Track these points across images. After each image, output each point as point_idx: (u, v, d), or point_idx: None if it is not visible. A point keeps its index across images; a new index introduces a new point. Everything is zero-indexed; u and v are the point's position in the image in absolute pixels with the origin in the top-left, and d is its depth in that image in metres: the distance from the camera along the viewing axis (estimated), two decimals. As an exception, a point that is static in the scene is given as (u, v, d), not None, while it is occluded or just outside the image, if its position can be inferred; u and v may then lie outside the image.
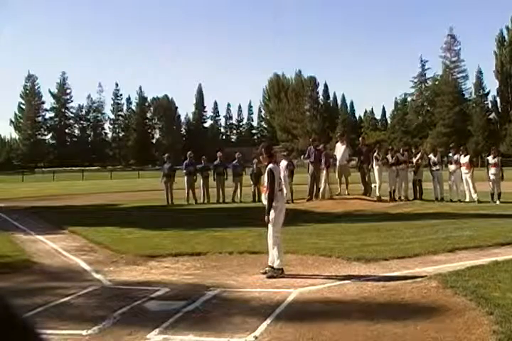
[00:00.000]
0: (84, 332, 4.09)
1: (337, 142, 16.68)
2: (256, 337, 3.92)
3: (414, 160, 14.77)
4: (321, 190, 14.83)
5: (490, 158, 14.13)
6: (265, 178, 6.06)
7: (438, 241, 7.72)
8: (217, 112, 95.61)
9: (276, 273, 5.95)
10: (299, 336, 3.92)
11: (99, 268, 6.69)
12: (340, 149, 15.52)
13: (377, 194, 14.66)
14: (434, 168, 14.63)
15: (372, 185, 15.18)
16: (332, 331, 4.00)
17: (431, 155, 15.10)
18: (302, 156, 17.22)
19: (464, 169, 14.06)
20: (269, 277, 5.89)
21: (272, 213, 6.00)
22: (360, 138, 17.63)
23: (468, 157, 14.22)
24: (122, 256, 7.37)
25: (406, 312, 4.43)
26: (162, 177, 16.41)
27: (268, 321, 4.27)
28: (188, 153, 17.05)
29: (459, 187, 14.28)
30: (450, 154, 14.83)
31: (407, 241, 7.78)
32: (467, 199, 14.01)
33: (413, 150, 15.60)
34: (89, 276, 6.27)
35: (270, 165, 6.06)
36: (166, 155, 17.75)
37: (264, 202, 6.09)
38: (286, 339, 3.88)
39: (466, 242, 7.54)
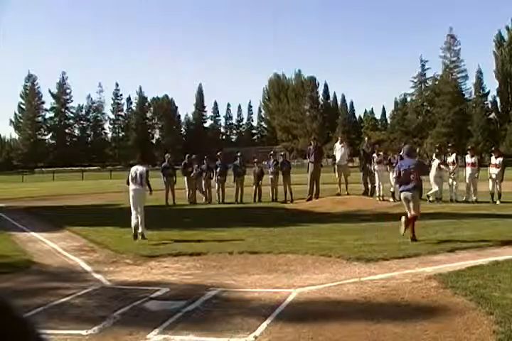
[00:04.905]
0: (84, 332, 4.09)
1: (336, 141, 16.73)
2: (256, 337, 3.92)
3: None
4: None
5: (492, 159, 14.16)
6: None
7: (438, 241, 7.72)
8: (217, 112, 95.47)
9: None
10: (299, 336, 3.92)
11: (99, 268, 6.70)
12: (339, 149, 15.54)
13: (377, 194, 14.68)
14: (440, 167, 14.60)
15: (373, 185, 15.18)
16: (332, 331, 4.00)
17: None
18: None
19: (469, 169, 14.11)
20: None
21: None
22: (366, 138, 17.62)
23: (475, 157, 14.29)
24: (122, 256, 7.38)
25: (406, 312, 4.42)
26: (163, 176, 15.95)
27: (268, 321, 4.27)
28: (191, 154, 17.11)
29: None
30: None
31: (407, 241, 7.77)
32: (464, 199, 14.04)
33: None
34: (89, 276, 6.27)
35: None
36: (167, 154, 17.52)
37: None
38: (286, 339, 3.88)
39: (466, 242, 7.53)
